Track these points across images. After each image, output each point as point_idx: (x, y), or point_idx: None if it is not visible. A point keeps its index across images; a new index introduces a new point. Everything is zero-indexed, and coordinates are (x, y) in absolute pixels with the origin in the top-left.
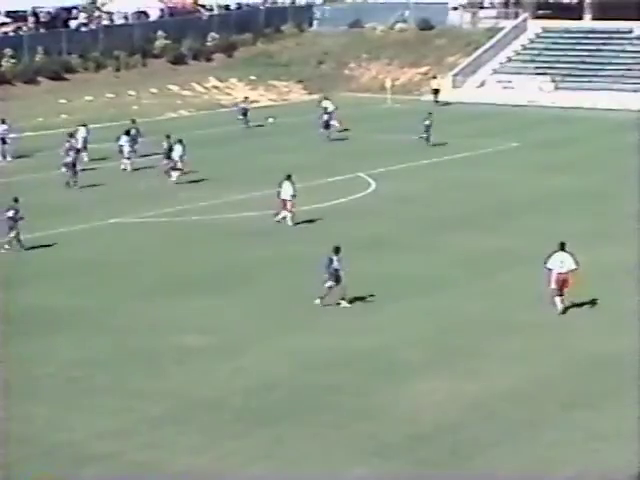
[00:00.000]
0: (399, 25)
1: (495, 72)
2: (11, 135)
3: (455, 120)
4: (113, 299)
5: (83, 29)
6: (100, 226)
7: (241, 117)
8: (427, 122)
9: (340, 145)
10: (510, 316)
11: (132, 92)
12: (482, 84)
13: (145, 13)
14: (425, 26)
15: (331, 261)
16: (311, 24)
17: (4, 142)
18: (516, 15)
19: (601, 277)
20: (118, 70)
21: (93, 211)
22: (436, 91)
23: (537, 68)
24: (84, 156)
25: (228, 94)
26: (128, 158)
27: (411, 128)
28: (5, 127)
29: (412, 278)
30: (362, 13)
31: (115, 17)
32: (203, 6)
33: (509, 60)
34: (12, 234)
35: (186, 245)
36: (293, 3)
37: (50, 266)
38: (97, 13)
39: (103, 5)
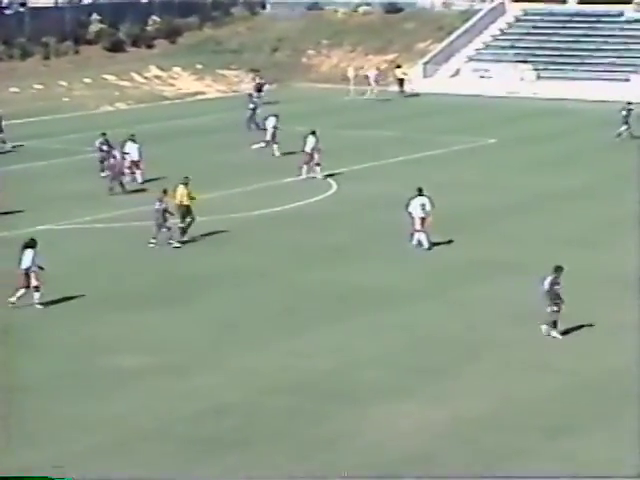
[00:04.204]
0: (363, 8)
1: (470, 60)
2: None
3: (426, 113)
4: (42, 315)
5: (7, 12)
6: (28, 234)
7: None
8: (624, 112)
9: (297, 142)
10: (486, 332)
11: (63, 82)
12: (456, 73)
13: None
14: (392, 9)
15: (551, 282)
16: (264, 6)
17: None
18: None
19: (585, 288)
20: (47, 58)
21: (20, 217)
22: (401, 81)
23: (517, 55)
24: (275, 149)
25: (171, 85)
26: (136, 166)
27: (376, 122)
28: None
29: (378, 290)
30: None
31: None
32: None
33: (486, 46)
34: (158, 227)
35: (124, 254)
36: None
37: None
38: None
39: None
